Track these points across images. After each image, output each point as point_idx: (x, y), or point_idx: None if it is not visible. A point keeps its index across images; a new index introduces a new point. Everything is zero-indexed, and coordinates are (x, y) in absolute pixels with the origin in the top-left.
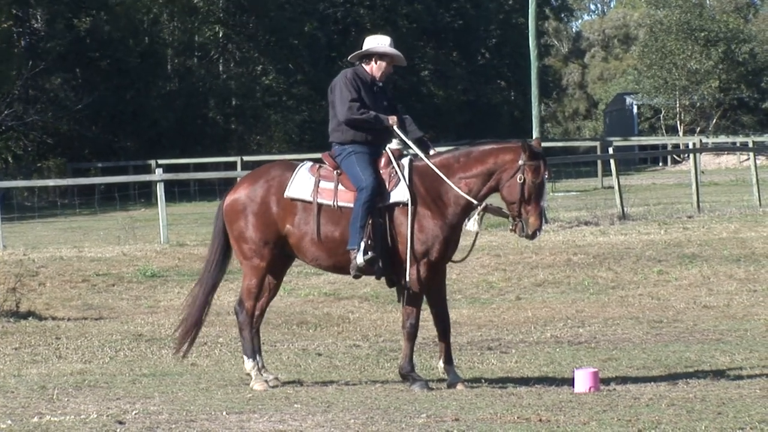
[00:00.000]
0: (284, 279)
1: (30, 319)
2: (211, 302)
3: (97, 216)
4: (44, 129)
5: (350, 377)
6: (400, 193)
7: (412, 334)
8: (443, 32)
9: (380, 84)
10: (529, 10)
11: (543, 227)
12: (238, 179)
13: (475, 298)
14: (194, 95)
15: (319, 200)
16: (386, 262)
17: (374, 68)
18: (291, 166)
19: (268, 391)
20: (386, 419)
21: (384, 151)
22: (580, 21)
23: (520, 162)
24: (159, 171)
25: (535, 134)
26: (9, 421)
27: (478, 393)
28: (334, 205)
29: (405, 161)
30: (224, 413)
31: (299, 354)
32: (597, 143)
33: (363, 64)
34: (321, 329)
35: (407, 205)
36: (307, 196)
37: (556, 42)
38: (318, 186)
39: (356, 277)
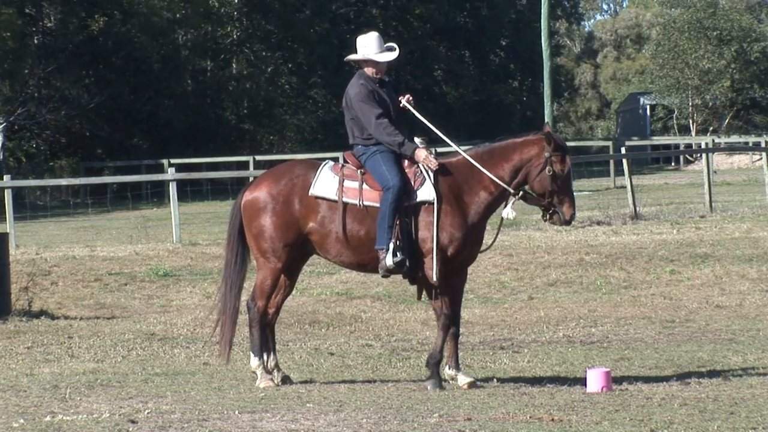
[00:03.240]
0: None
1: (42, 318)
2: (240, 302)
3: (109, 215)
4: (57, 128)
5: (362, 377)
6: (425, 192)
7: (447, 326)
8: (456, 32)
9: (385, 78)
10: (542, 11)
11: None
12: (251, 178)
13: (488, 298)
14: (207, 95)
15: (345, 199)
16: (411, 261)
17: (370, 70)
18: (314, 165)
19: (277, 389)
20: (399, 419)
21: None
22: (592, 21)
23: (546, 154)
24: (171, 170)
25: None
26: (21, 420)
27: (490, 392)
28: (359, 205)
29: None
30: (237, 412)
31: (311, 353)
32: (610, 143)
33: (361, 65)
34: (333, 328)
35: (433, 203)
36: (333, 195)
37: (568, 42)
38: (343, 185)
39: (385, 276)
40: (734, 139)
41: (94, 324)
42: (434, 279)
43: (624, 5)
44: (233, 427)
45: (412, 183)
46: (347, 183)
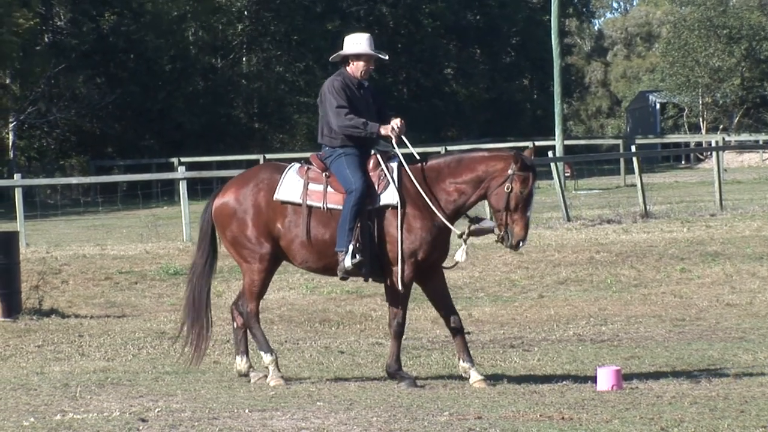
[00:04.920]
0: (307, 276)
1: (53, 316)
2: (210, 303)
3: (119, 214)
4: (67, 127)
5: (373, 375)
6: (389, 196)
7: (399, 333)
8: (466, 30)
9: (365, 83)
10: (552, 9)
11: (527, 239)
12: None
13: (498, 296)
14: (218, 94)
15: (309, 202)
16: (374, 265)
17: (353, 69)
18: (279, 168)
19: (287, 387)
20: (409, 417)
21: (372, 153)
22: (602, 19)
23: (510, 171)
24: (182, 169)
25: (558, 132)
26: (32, 419)
27: (500, 391)
28: (323, 208)
29: (393, 164)
30: (247, 411)
31: (322, 352)
32: (620, 141)
33: (346, 66)
34: (343, 327)
35: (396, 207)
36: (297, 198)
37: (578, 40)
38: (307, 188)
39: (343, 278)
40: (744, 137)
41: (105, 322)
42: (399, 285)
43: (634, 3)
44: (243, 426)
45: (376, 187)
46: (312, 186)
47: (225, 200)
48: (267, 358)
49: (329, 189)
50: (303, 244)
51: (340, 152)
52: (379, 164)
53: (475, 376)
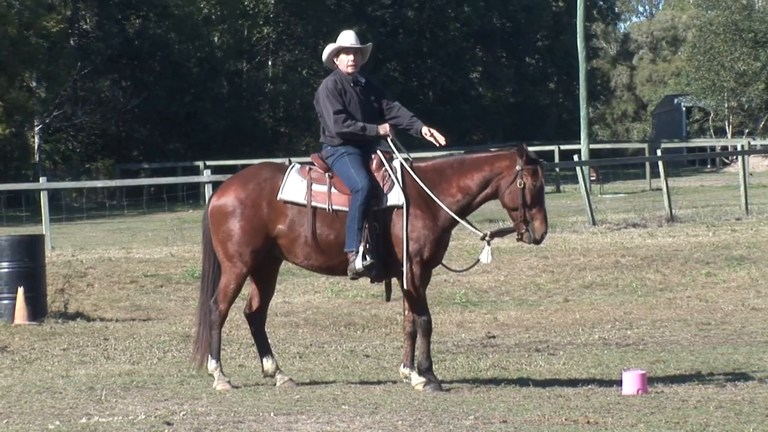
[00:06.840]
0: (333, 280)
1: (78, 320)
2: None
3: (145, 217)
4: (93, 130)
5: (398, 379)
6: (395, 197)
7: (427, 330)
8: (492, 34)
9: (362, 80)
10: (577, 13)
11: (548, 231)
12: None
13: (523, 300)
14: (244, 97)
15: (314, 203)
16: (381, 266)
17: (343, 65)
18: (280, 168)
19: (312, 391)
20: (434, 421)
21: (375, 154)
22: (628, 23)
23: (517, 167)
24: (207, 172)
25: (583, 136)
26: (57, 422)
27: (525, 394)
28: (328, 209)
29: (396, 163)
30: (272, 414)
31: (347, 355)
32: (645, 145)
33: (338, 66)
34: (369, 330)
35: (402, 208)
36: (301, 199)
37: (604, 44)
38: (311, 189)
39: (353, 278)
40: None
41: (130, 326)
42: (404, 286)
43: (660, 7)
44: (268, 429)
45: (381, 187)
46: (315, 187)
47: (224, 200)
48: (212, 365)
49: (333, 190)
50: (307, 244)
51: (342, 151)
52: (383, 164)
53: (416, 380)
